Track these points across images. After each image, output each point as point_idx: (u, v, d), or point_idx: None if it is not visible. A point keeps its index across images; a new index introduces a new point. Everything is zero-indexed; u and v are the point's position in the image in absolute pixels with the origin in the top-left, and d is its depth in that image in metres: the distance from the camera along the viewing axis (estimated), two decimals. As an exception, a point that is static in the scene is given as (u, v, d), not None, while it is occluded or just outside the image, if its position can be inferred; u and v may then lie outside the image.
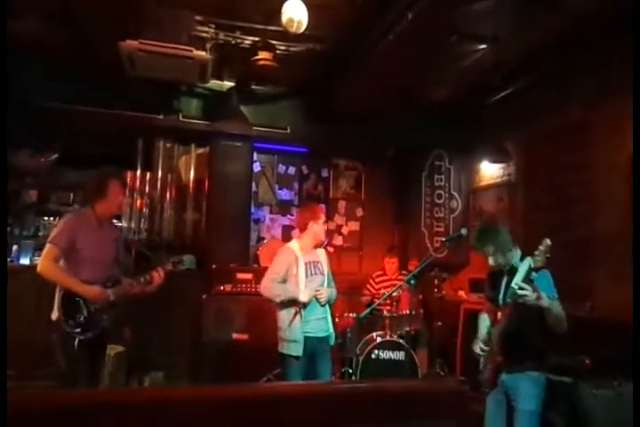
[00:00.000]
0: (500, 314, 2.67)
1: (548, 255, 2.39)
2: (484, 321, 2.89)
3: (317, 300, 3.35)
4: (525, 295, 2.40)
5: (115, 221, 4.10)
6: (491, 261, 2.72)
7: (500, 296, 2.72)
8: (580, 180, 4.04)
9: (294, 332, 3.29)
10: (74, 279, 2.96)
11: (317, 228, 3.44)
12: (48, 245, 3.00)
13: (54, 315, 2.98)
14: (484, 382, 2.74)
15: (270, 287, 3.36)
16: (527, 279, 2.41)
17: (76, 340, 2.92)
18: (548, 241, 2.38)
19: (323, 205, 6.00)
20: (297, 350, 3.26)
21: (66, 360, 2.98)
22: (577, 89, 4.16)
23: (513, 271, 2.59)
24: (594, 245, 3.83)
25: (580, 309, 3.54)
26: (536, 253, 2.39)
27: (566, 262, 3.74)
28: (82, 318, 2.97)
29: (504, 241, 2.70)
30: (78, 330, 2.95)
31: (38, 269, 2.97)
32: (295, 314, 3.30)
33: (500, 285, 2.75)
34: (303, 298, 3.28)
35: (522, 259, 2.58)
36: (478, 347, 2.78)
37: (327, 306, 3.46)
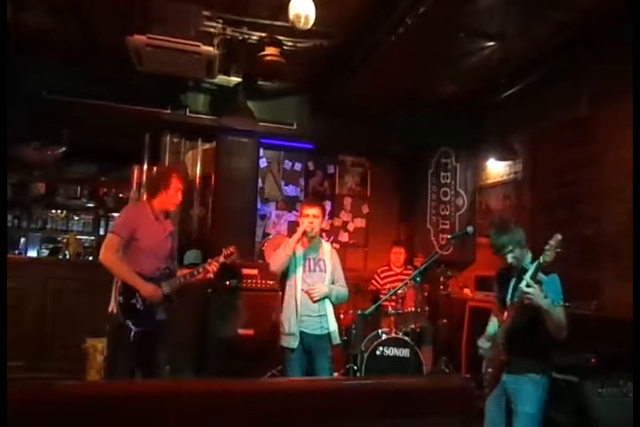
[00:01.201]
0: (506, 314, 2.66)
1: (558, 250, 2.38)
2: (493, 321, 2.89)
3: (309, 295, 3.34)
4: (531, 294, 2.39)
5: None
6: (509, 258, 2.67)
7: (508, 296, 2.71)
8: (587, 177, 4.02)
9: (290, 325, 3.30)
10: (132, 273, 3.01)
11: (300, 222, 3.46)
12: (109, 235, 3.08)
13: (111, 306, 3.02)
14: (485, 382, 2.74)
15: (274, 259, 3.41)
16: (535, 280, 2.41)
17: (132, 332, 2.95)
18: (559, 236, 2.38)
19: (327, 203, 6.04)
20: (292, 342, 3.28)
21: (118, 352, 3.02)
22: (584, 85, 4.13)
23: (522, 272, 2.57)
24: (601, 243, 3.81)
25: (586, 307, 3.53)
26: (547, 247, 2.38)
27: (573, 260, 3.73)
28: (137, 311, 3.01)
29: (520, 235, 2.70)
30: (133, 322, 2.98)
31: (100, 257, 3.02)
32: (293, 306, 3.31)
33: (507, 285, 2.74)
34: (298, 232, 3.33)
35: (532, 261, 2.55)
36: (480, 344, 2.80)
37: (328, 303, 3.44)
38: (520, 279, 2.51)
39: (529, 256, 2.69)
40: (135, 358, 3.05)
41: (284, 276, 3.43)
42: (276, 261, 3.39)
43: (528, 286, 2.40)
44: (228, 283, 3.44)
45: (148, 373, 3.10)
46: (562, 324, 2.46)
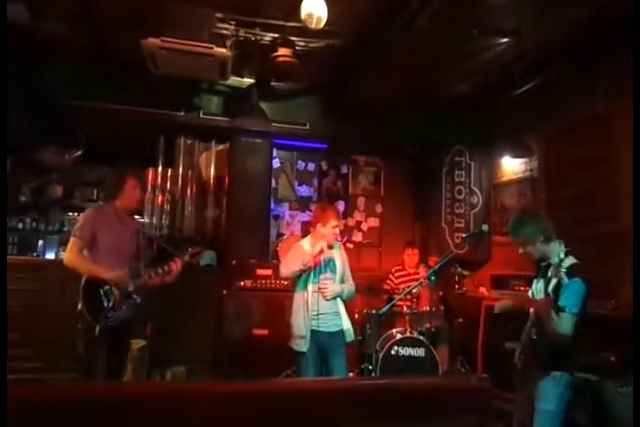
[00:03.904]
0: (531, 310, 2.64)
1: (567, 249, 2.37)
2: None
3: (322, 294, 3.34)
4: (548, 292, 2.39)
5: (137, 217, 4.16)
6: (520, 250, 2.67)
7: (532, 292, 2.70)
8: (603, 174, 3.97)
9: (299, 327, 3.31)
10: (95, 265, 3.09)
11: (324, 231, 3.42)
12: (72, 238, 3.17)
13: (79, 305, 3.09)
14: (516, 382, 2.72)
15: (289, 263, 3.42)
16: (557, 283, 2.39)
17: (97, 328, 3.01)
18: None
19: (339, 203, 6.03)
20: (302, 345, 3.28)
21: (86, 349, 3.09)
22: (601, 82, 4.08)
23: (547, 268, 2.55)
24: (618, 242, 3.75)
25: (604, 306, 3.48)
26: (561, 247, 2.38)
27: (589, 259, 3.67)
28: (101, 308, 3.07)
29: (531, 232, 2.62)
30: (98, 319, 3.05)
31: (64, 261, 3.14)
32: (303, 309, 3.31)
33: (536, 281, 2.72)
34: (309, 251, 3.33)
35: (567, 255, 2.46)
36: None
37: (340, 302, 3.45)
38: (543, 277, 2.49)
39: (559, 252, 2.50)
40: (102, 355, 3.09)
41: (295, 278, 3.44)
42: (288, 269, 3.40)
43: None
44: (190, 253, 3.42)
45: (113, 370, 3.16)
46: (564, 333, 2.40)
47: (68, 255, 3.12)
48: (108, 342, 3.09)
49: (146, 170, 5.68)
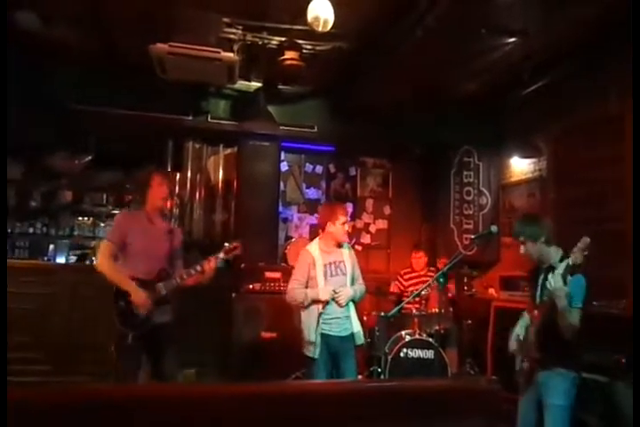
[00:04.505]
0: (536, 312, 2.66)
1: (586, 253, 2.38)
2: (523, 319, 2.88)
3: (335, 301, 3.32)
4: (558, 293, 2.39)
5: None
6: (522, 249, 2.71)
7: (537, 294, 2.70)
8: (614, 174, 3.94)
9: (310, 333, 3.29)
10: (126, 278, 3.07)
11: (334, 229, 3.40)
12: (104, 242, 3.20)
13: (113, 312, 3.08)
14: (519, 383, 2.72)
15: (292, 294, 3.39)
16: (563, 279, 2.40)
17: (130, 335, 2.99)
18: (587, 239, 2.39)
19: (347, 204, 6.00)
20: (313, 351, 3.26)
21: (120, 356, 3.07)
22: (609, 81, 4.05)
23: (550, 270, 2.58)
24: (628, 242, 3.72)
25: (614, 306, 3.45)
26: (574, 249, 2.40)
27: (600, 259, 3.64)
28: (133, 314, 3.04)
29: (536, 231, 2.69)
30: (128, 325, 3.03)
31: (95, 264, 3.16)
32: (315, 315, 3.30)
33: (537, 283, 2.73)
34: (322, 297, 3.28)
35: (562, 260, 2.54)
36: (511, 343, 2.82)
37: (351, 305, 3.44)
38: (547, 277, 2.51)
39: (558, 254, 2.66)
40: (140, 361, 3.08)
41: (306, 285, 3.42)
42: (292, 298, 3.39)
43: (553, 283, 2.40)
44: (225, 250, 3.35)
45: (156, 375, 3.12)
46: (573, 327, 2.47)
47: (100, 260, 3.13)
48: (142, 347, 3.07)
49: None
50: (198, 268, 3.20)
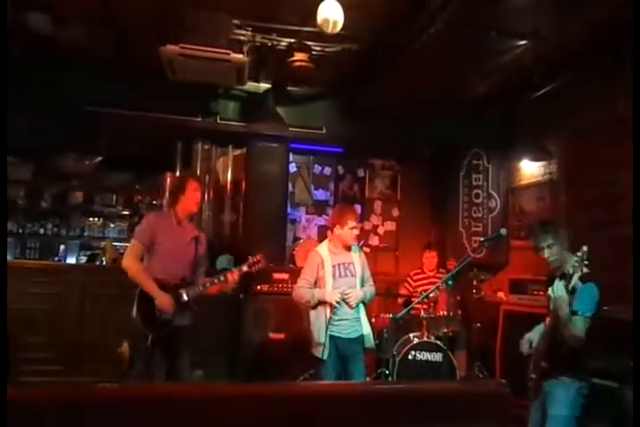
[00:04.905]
0: (548, 319, 2.64)
1: (586, 262, 2.37)
2: (541, 325, 2.86)
3: (346, 302, 3.32)
4: (557, 298, 2.39)
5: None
6: (546, 253, 2.68)
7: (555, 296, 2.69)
8: (625, 176, 3.90)
9: (319, 334, 3.29)
10: (151, 281, 3.09)
11: (341, 232, 3.41)
12: (132, 242, 3.24)
13: (133, 312, 3.12)
14: (530, 389, 2.70)
15: (299, 292, 3.40)
16: (571, 287, 2.39)
17: (149, 337, 3.02)
18: (584, 248, 2.39)
19: (357, 207, 5.99)
20: (322, 352, 3.25)
21: (138, 356, 3.11)
22: (620, 83, 4.01)
23: (564, 277, 2.56)
24: (640, 246, 3.69)
25: (625, 311, 3.42)
26: (574, 259, 2.41)
27: (610, 263, 3.62)
28: (154, 316, 3.07)
29: (562, 237, 2.68)
30: (151, 328, 3.05)
31: (122, 263, 3.17)
32: (324, 316, 3.30)
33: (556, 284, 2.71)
34: (328, 299, 3.28)
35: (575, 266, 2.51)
36: (522, 346, 2.81)
37: (361, 306, 3.44)
38: (561, 284, 2.50)
39: (573, 261, 2.60)
40: (156, 362, 3.10)
41: (314, 284, 3.42)
42: (298, 297, 3.40)
43: (558, 294, 2.41)
44: (249, 263, 3.38)
45: (171, 376, 3.14)
46: (577, 337, 2.44)
47: (127, 260, 3.16)
48: (161, 349, 3.10)
49: (164, 175, 5.73)
50: (222, 278, 3.25)
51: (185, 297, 3.14)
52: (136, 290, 3.13)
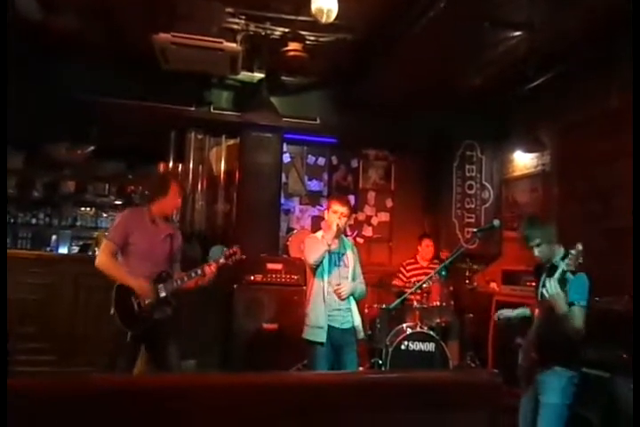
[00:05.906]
0: (537, 311, 2.67)
1: (580, 261, 2.40)
2: (522, 309, 2.96)
3: (338, 296, 3.33)
4: (552, 296, 2.42)
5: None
6: (536, 251, 2.71)
7: (539, 292, 2.71)
8: (617, 169, 3.92)
9: (319, 318, 3.30)
10: (126, 273, 3.07)
11: (327, 217, 3.44)
12: (104, 241, 3.18)
13: (112, 310, 3.09)
14: (520, 379, 2.74)
15: (312, 253, 3.34)
16: (562, 279, 2.41)
17: (128, 334, 3.01)
18: (579, 246, 2.41)
19: (350, 198, 5.98)
20: (321, 336, 3.26)
21: (117, 354, 3.08)
22: (614, 75, 4.02)
23: (552, 269, 2.59)
24: (631, 237, 3.72)
25: (617, 302, 3.46)
26: (569, 256, 2.43)
27: (603, 255, 3.65)
28: (133, 313, 3.06)
29: (550, 232, 2.72)
30: (129, 324, 3.04)
31: (96, 263, 3.11)
32: (322, 301, 3.31)
33: (540, 280, 2.74)
34: (331, 233, 3.29)
35: (564, 258, 2.55)
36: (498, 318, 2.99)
37: (351, 298, 3.45)
38: (549, 276, 2.54)
39: (560, 252, 2.68)
40: (134, 359, 3.09)
41: (313, 269, 3.42)
42: (314, 254, 3.33)
43: (549, 287, 2.44)
44: (225, 255, 3.37)
45: (161, 369, 3.13)
46: (579, 329, 2.48)
47: (100, 258, 3.11)
48: (139, 346, 3.10)
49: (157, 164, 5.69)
50: (199, 271, 3.23)
51: (163, 293, 3.13)
52: (114, 288, 3.10)
